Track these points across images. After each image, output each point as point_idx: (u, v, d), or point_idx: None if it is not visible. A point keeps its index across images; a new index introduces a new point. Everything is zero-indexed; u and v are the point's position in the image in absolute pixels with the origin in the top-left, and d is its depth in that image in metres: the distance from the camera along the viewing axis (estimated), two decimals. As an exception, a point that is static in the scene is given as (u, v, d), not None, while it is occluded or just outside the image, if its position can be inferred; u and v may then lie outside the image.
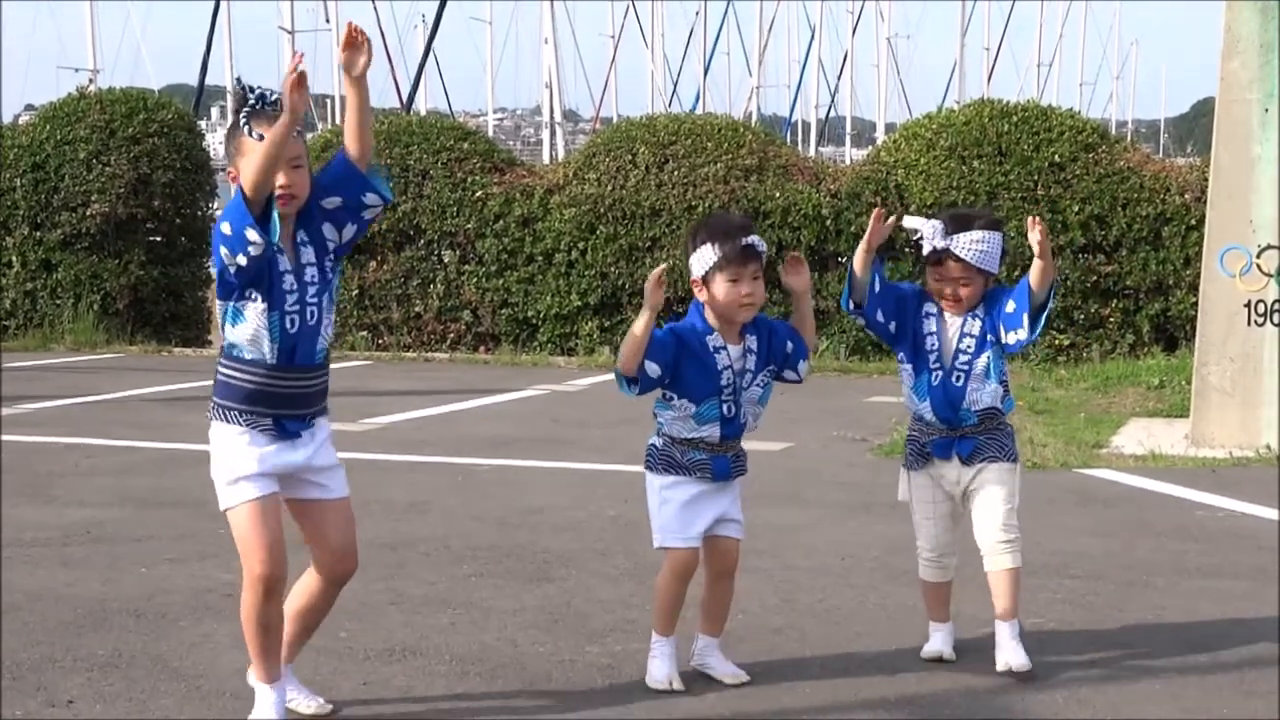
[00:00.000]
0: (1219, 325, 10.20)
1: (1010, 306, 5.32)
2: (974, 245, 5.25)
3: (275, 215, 4.51)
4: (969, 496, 5.38)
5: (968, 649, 5.46)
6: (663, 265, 5.34)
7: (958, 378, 5.31)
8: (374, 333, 17.03)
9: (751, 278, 5.07)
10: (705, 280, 5.10)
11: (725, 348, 5.12)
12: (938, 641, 5.46)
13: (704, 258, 5.08)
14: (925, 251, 5.33)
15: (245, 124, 4.57)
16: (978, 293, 5.34)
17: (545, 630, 5.83)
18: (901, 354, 5.45)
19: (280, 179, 4.53)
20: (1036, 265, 5.25)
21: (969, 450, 5.33)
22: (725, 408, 5.11)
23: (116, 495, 8.46)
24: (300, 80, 4.41)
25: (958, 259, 5.26)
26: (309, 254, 4.65)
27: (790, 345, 5.23)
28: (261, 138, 4.48)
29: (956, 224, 5.31)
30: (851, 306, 5.42)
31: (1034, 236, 5.22)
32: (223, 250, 4.49)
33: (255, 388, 4.60)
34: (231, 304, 4.59)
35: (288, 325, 4.59)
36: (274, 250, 4.53)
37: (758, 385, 5.19)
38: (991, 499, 5.35)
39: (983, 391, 5.32)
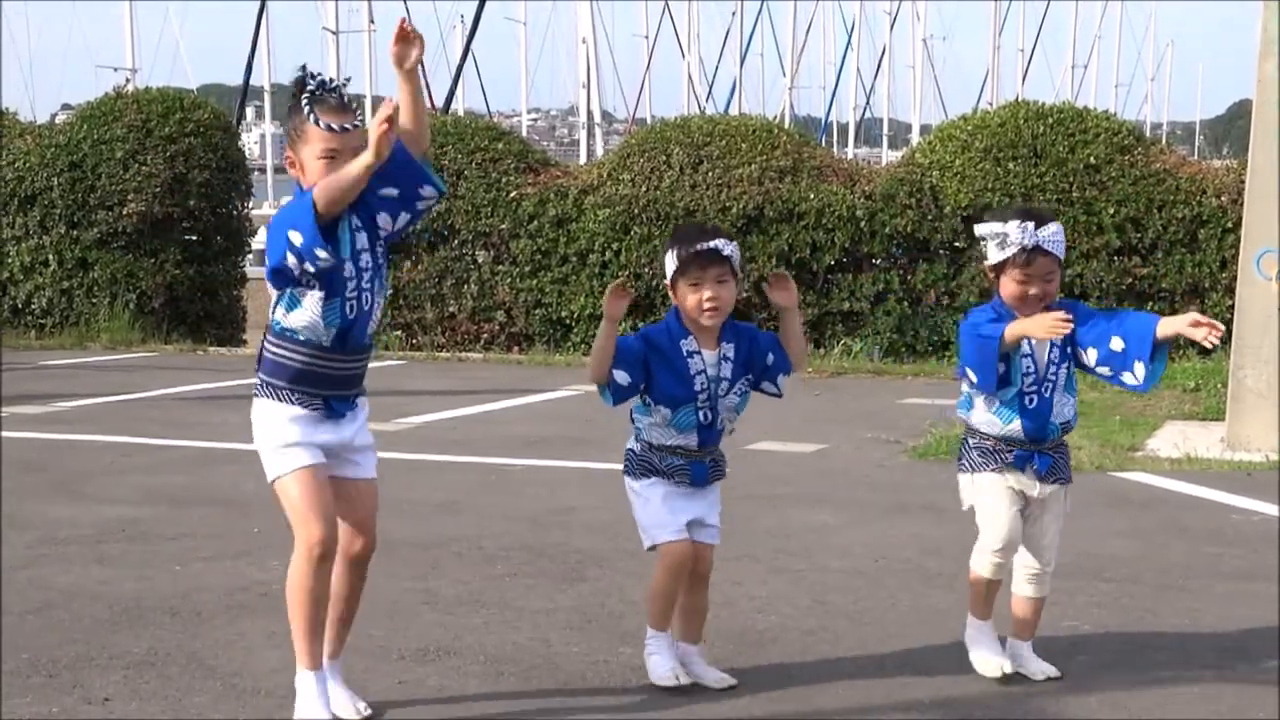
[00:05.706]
0: (1255, 328, 10.15)
1: (1117, 345, 5.09)
2: (1058, 237, 5.14)
3: (348, 232, 4.54)
4: (1028, 515, 5.27)
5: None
6: (620, 277, 5.32)
7: (1046, 389, 5.15)
8: (408, 332, 17.08)
9: (715, 282, 5.01)
10: (672, 285, 5.11)
11: (699, 352, 5.08)
12: (995, 652, 5.28)
13: (669, 264, 5.10)
14: (1012, 253, 5.09)
15: (309, 110, 4.56)
16: (1056, 290, 5.19)
17: (578, 630, 5.84)
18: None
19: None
20: (1172, 329, 5.03)
21: (1046, 467, 5.23)
22: (702, 414, 5.08)
23: (151, 493, 8.50)
24: (391, 121, 4.34)
25: (1047, 253, 5.11)
26: (363, 240, 4.66)
27: (771, 357, 5.16)
28: (330, 128, 4.52)
29: (1035, 219, 5.13)
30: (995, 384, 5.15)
31: (1200, 333, 4.95)
32: (289, 256, 4.47)
33: (306, 368, 4.64)
34: (289, 290, 4.61)
35: (347, 311, 4.63)
36: (342, 261, 4.55)
37: (735, 394, 5.14)
38: (1046, 529, 5.28)
39: (1066, 405, 5.21)
